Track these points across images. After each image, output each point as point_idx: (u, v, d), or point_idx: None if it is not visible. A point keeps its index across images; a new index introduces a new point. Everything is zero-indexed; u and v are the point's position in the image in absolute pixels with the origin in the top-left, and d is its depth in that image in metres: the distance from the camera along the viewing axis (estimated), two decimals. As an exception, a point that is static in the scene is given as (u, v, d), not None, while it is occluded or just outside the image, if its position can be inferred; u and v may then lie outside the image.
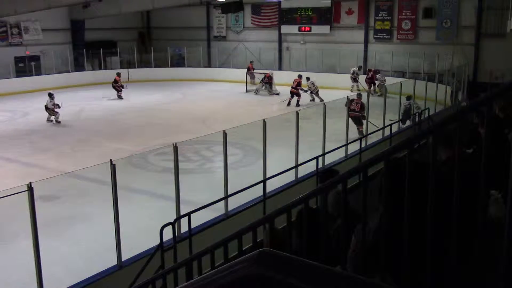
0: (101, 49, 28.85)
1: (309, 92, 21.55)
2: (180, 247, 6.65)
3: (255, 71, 26.37)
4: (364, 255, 2.42)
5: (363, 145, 11.14)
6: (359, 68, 24.61)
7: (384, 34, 26.46)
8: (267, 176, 8.70)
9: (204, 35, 32.40)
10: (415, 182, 2.14)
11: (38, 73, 27.12)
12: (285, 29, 29.33)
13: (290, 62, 29.51)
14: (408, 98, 15.25)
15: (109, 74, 26.86)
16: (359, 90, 22.51)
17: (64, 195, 10.28)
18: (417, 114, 14.48)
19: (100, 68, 29.00)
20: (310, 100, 21.49)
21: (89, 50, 29.10)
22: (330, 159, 10.49)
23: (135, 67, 29.90)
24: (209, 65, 31.44)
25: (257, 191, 8.15)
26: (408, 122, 15.03)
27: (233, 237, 3.69)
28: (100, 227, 8.31)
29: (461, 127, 2.08)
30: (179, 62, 31.34)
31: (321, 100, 20.96)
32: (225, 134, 8.29)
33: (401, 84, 14.74)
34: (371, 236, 2.41)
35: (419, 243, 2.12)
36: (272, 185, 8.63)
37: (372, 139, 12.75)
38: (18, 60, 27.17)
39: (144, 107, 21.06)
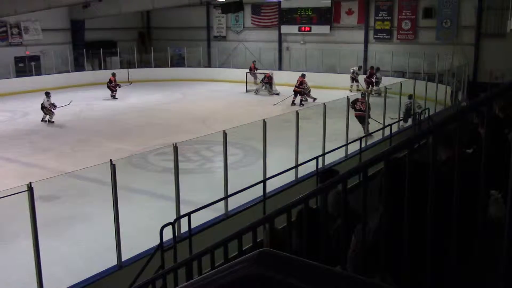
0: (101, 49, 28.85)
1: (301, 95, 21.72)
2: (180, 247, 6.65)
3: (258, 71, 26.32)
4: (364, 255, 2.42)
5: (363, 145, 11.13)
6: (359, 68, 24.61)
7: (384, 34, 26.46)
8: (267, 176, 8.70)
9: (204, 35, 32.40)
10: (415, 182, 2.14)
11: (38, 73, 27.12)
12: (285, 29, 29.33)
13: (290, 62, 29.51)
14: (410, 97, 15.33)
15: (109, 74, 26.87)
16: (358, 90, 22.60)
17: (64, 195, 10.28)
18: (418, 113, 14.54)
19: (100, 68, 29.00)
20: (302, 100, 21.59)
21: (89, 50, 29.10)
22: (330, 159, 10.49)
23: (135, 67, 29.88)
24: (209, 65, 31.44)
25: (257, 191, 8.15)
26: (409, 121, 15.08)
27: (233, 237, 3.69)
28: (100, 227, 8.30)
29: (461, 127, 2.08)
30: (179, 62, 31.34)
31: (314, 99, 21.11)
32: (225, 134, 8.29)
33: (401, 84, 14.74)
34: (371, 236, 2.41)
35: (419, 243, 2.12)
36: (272, 185, 8.63)
37: (372, 139, 12.76)
38: (18, 60, 27.17)
39: (144, 107, 21.06)
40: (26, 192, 5.75)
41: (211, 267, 4.00)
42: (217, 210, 8.09)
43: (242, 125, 11.21)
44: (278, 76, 25.04)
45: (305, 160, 9.55)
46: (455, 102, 18.45)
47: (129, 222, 7.40)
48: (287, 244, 3.67)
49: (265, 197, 8.11)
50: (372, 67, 24.26)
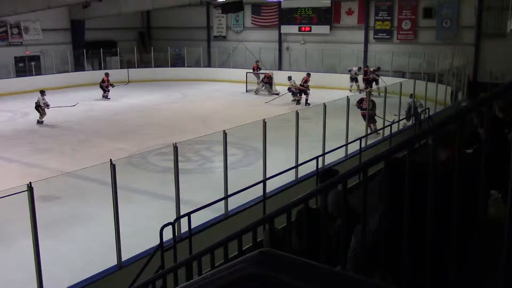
0: (101, 49, 28.85)
1: (292, 95, 21.84)
2: (180, 247, 6.65)
3: (261, 71, 26.27)
4: (364, 255, 2.42)
5: (363, 145, 11.13)
6: (359, 69, 24.61)
7: (384, 34, 26.46)
8: (267, 176, 8.70)
9: (204, 35, 32.40)
10: (415, 182, 2.14)
11: (38, 73, 27.11)
12: (285, 29, 29.33)
13: (290, 62, 29.51)
14: (411, 96, 15.51)
15: (110, 74, 26.87)
16: (358, 90, 22.69)
17: (64, 195, 10.28)
18: (421, 112, 14.67)
19: (100, 68, 28.97)
20: (292, 100, 21.61)
21: (89, 50, 29.11)
22: (330, 159, 10.49)
23: (135, 67, 29.91)
24: (209, 65, 31.44)
25: (257, 191, 8.15)
26: (411, 120, 15.22)
27: (233, 237, 3.69)
28: (100, 227, 8.31)
29: (461, 127, 2.08)
30: (179, 62, 31.35)
31: (295, 99, 21.28)
32: (225, 134, 8.29)
33: (401, 84, 14.75)
34: (371, 236, 2.41)
35: (419, 243, 2.12)
36: (272, 185, 8.63)
37: (372, 139, 12.77)
38: (18, 60, 27.17)
39: (144, 107, 21.06)
40: (26, 192, 5.75)
41: (211, 267, 4.00)
42: (217, 210, 8.09)
43: (242, 125, 11.20)
44: (278, 76, 25.04)
45: (305, 160, 9.55)
46: (455, 102, 18.45)
47: (129, 222, 7.40)
48: (287, 244, 3.68)
49: (265, 197, 8.11)
50: (367, 67, 24.39)
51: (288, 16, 29.05)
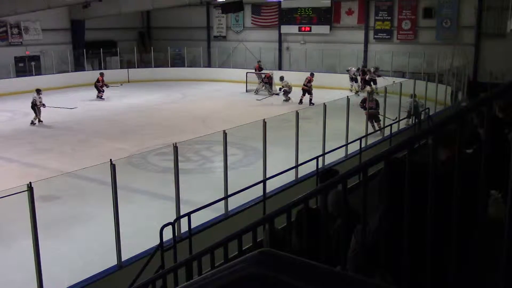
0: (101, 49, 28.85)
1: (281, 92, 21.88)
2: (180, 247, 6.65)
3: (263, 71, 26.23)
4: (364, 255, 2.42)
5: (363, 145, 11.14)
6: (358, 69, 24.56)
7: (384, 34, 26.46)
8: (267, 176, 8.70)
9: (204, 35, 32.40)
10: (415, 182, 2.14)
11: (38, 73, 27.11)
12: (285, 29, 29.33)
13: (290, 62, 29.51)
14: (411, 97, 15.58)
15: (109, 74, 26.84)
16: (357, 90, 22.77)
17: (64, 195, 10.28)
18: (421, 112, 14.75)
19: (100, 68, 28.94)
20: (284, 100, 21.63)
21: (89, 50, 29.11)
22: (330, 159, 10.49)
23: (135, 67, 29.92)
24: (209, 65, 31.45)
25: (257, 191, 8.16)
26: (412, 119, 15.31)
27: (233, 237, 3.69)
28: (100, 227, 8.31)
29: (461, 127, 2.08)
30: (179, 62, 31.35)
31: (287, 99, 21.35)
32: (225, 134, 8.29)
33: (401, 84, 14.75)
34: (371, 236, 2.41)
35: (419, 243, 2.12)
36: (272, 185, 8.63)
37: (372, 139, 12.76)
38: (18, 60, 27.17)
39: (144, 107, 21.06)
40: (26, 192, 5.75)
41: (211, 267, 4.00)
42: (217, 210, 8.09)
43: (242, 125, 11.21)
44: (278, 76, 25.01)
45: (305, 160, 9.55)
46: (455, 102, 18.45)
47: (129, 222, 7.40)
48: (287, 244, 3.68)
49: (265, 197, 8.11)
50: (364, 66, 24.46)
51: (288, 16, 29.04)
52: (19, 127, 17.61)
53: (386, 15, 26.20)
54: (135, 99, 22.95)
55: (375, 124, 14.58)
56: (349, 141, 11.28)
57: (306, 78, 21.35)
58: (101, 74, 23.63)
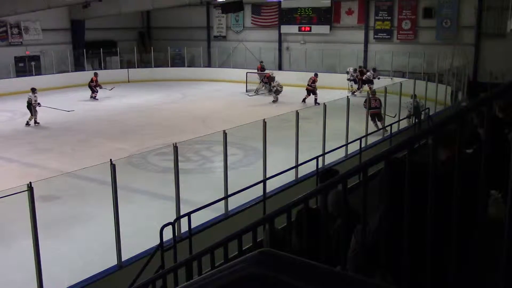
0: (101, 49, 28.86)
1: (272, 92, 22.03)
2: (180, 247, 6.65)
3: (265, 71, 26.19)
4: (364, 255, 2.42)
5: (363, 145, 11.14)
6: (355, 70, 24.50)
7: (384, 34, 26.46)
8: (267, 176, 8.70)
9: (204, 35, 32.40)
10: (415, 182, 2.14)
11: (38, 73, 27.11)
12: (285, 29, 29.32)
13: (290, 62, 29.51)
14: (411, 97, 15.61)
15: (109, 74, 26.91)
16: (353, 90, 22.87)
17: (64, 195, 10.28)
18: (422, 111, 14.79)
19: (100, 68, 28.96)
20: (273, 101, 21.61)
21: (89, 50, 29.10)
22: (330, 159, 10.49)
23: (135, 67, 29.92)
24: (209, 65, 31.45)
25: (257, 191, 8.15)
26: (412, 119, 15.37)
27: (233, 237, 3.69)
28: (100, 227, 8.30)
29: (461, 127, 2.08)
30: (179, 62, 31.35)
31: (276, 99, 21.63)
32: (225, 134, 8.29)
33: (401, 84, 14.76)
34: (371, 236, 2.41)
35: (419, 243, 2.12)
36: (272, 185, 8.63)
37: (372, 139, 12.76)
38: (18, 60, 27.18)
39: (144, 107, 21.06)
40: (26, 192, 5.75)
41: (211, 267, 4.00)
42: (217, 210, 8.09)
43: (242, 125, 11.21)
44: (278, 76, 25.00)
45: (305, 160, 9.55)
46: (455, 102, 18.45)
47: (129, 222, 7.40)
48: (287, 244, 3.68)
49: (265, 197, 8.11)
50: (360, 66, 24.49)
51: (288, 16, 29.04)
52: (19, 127, 17.61)
53: (386, 15, 26.20)
54: (135, 99, 22.95)
55: (379, 123, 14.62)
56: (349, 141, 11.28)
57: (310, 79, 21.35)
58: (95, 74, 23.57)
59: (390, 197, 2.33)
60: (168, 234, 6.59)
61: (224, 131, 8.32)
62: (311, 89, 21.02)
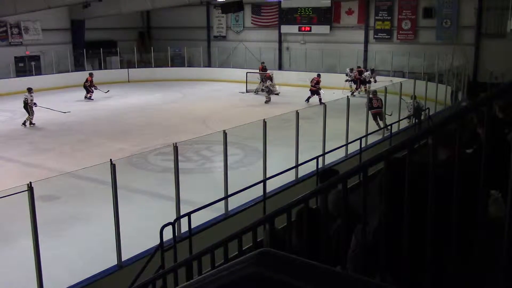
0: (101, 49, 28.87)
1: (265, 92, 22.11)
2: (180, 247, 6.65)
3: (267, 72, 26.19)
4: (364, 255, 2.42)
5: (363, 145, 11.14)
6: (351, 70, 24.47)
7: (384, 34, 26.46)
8: (267, 176, 8.70)
9: (204, 35, 32.40)
10: (415, 182, 2.14)
11: (38, 73, 27.13)
12: (285, 29, 29.33)
13: (290, 62, 29.51)
14: (411, 98, 15.64)
15: (109, 74, 26.91)
16: (352, 90, 22.90)
17: (64, 195, 10.28)
18: (422, 111, 14.83)
19: (100, 68, 29.01)
20: (266, 102, 21.65)
21: (89, 50, 29.12)
22: (330, 159, 10.49)
23: (135, 67, 29.92)
24: (209, 65, 31.45)
25: (257, 191, 8.15)
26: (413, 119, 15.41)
27: (233, 237, 3.70)
28: (100, 227, 8.31)
29: (461, 127, 2.08)
30: (179, 62, 31.36)
31: (269, 99, 21.70)
32: (225, 134, 8.29)
33: (401, 84, 14.77)
34: (371, 236, 2.41)
35: (419, 243, 2.12)
36: (272, 185, 8.63)
37: (372, 139, 12.76)
38: (18, 60, 27.19)
39: (144, 107, 21.07)
40: (26, 192, 5.75)
41: (211, 267, 4.00)
42: (217, 210, 8.09)
43: (242, 125, 11.21)
44: (278, 76, 25.02)
45: (305, 160, 9.55)
46: (455, 102, 18.45)
47: (129, 222, 7.39)
48: (287, 244, 3.67)
49: (265, 197, 8.11)
50: (359, 67, 24.52)
51: (288, 16, 29.05)
52: (19, 127, 17.61)
53: (386, 15, 26.20)
54: (135, 99, 22.95)
55: (380, 122, 14.64)
56: (349, 141, 11.28)
57: (314, 79, 21.32)
58: (90, 75, 23.53)
59: (390, 197, 2.32)
60: (168, 234, 6.58)
61: (224, 131, 8.32)
62: (315, 90, 21.03)
